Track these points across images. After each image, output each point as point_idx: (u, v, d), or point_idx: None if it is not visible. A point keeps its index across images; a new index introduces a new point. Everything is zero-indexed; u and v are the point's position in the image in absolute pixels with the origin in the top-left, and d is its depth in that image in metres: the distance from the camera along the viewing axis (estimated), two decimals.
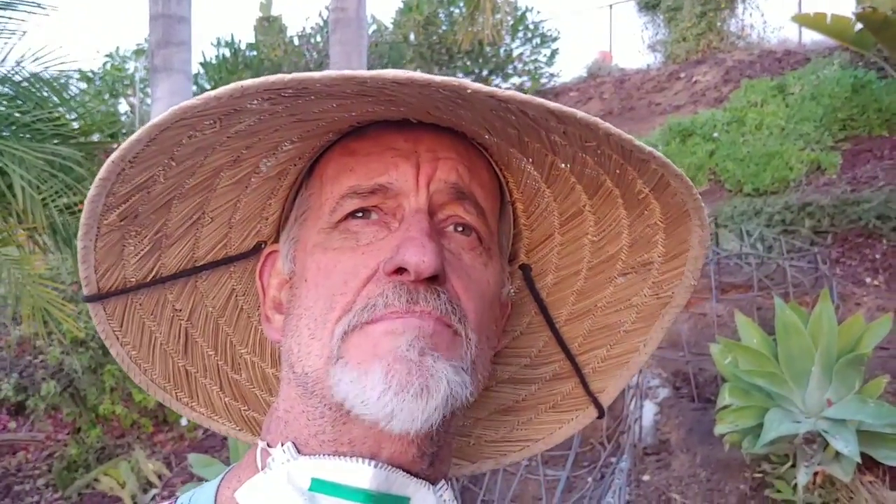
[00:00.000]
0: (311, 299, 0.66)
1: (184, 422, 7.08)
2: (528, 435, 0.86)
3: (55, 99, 4.22)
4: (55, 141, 4.03)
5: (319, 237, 0.68)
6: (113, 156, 0.59)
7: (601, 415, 0.83)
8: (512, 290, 0.78)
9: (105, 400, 6.93)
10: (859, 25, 8.78)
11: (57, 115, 4.15)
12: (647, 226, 0.71)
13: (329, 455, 0.64)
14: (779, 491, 3.99)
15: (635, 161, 0.62)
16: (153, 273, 0.73)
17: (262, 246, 0.77)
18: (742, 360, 4.16)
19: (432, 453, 0.66)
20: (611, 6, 17.37)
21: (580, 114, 0.54)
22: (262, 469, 0.66)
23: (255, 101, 0.56)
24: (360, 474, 0.62)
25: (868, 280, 6.30)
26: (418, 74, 0.52)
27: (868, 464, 3.71)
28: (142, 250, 0.70)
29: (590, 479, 4.97)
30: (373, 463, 0.62)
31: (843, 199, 7.27)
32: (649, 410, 5.36)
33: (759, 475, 4.24)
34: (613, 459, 5.00)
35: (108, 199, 0.63)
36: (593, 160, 0.66)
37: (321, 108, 0.61)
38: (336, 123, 0.67)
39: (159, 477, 6.24)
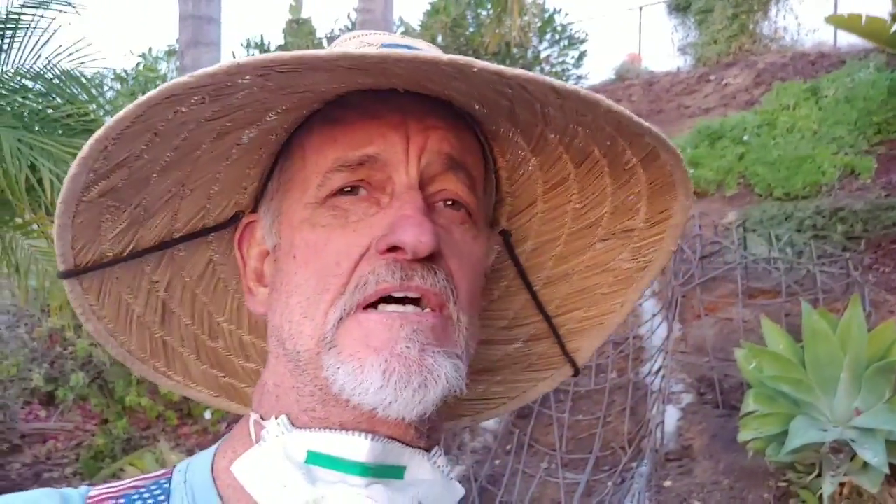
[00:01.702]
0: (302, 277, 0.65)
1: (207, 415, 7.17)
2: (503, 392, 0.88)
3: (85, 96, 4.28)
4: (85, 137, 4.08)
5: (306, 212, 0.66)
6: (97, 134, 0.58)
7: (576, 373, 0.85)
8: (492, 255, 0.79)
9: (131, 392, 7.04)
10: None
11: (87, 111, 4.22)
12: (630, 194, 0.71)
13: (321, 430, 0.64)
14: (804, 501, 3.92)
15: (628, 134, 0.62)
16: (130, 247, 0.72)
17: (241, 215, 0.76)
18: (768, 366, 4.09)
19: (428, 428, 0.67)
20: (640, 8, 17.22)
21: (583, 91, 0.54)
22: (257, 442, 0.66)
23: (248, 77, 0.55)
24: (357, 447, 0.62)
25: None
26: (424, 54, 0.51)
27: None
28: (120, 225, 0.69)
29: (609, 484, 4.93)
30: (369, 436, 0.62)
31: (877, 204, 7.13)
32: (672, 416, 5.30)
33: (784, 484, 4.17)
34: (634, 464, 4.95)
35: (88, 175, 0.61)
36: (585, 132, 0.65)
37: (312, 81, 0.60)
38: (322, 94, 0.65)
39: None
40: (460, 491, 0.69)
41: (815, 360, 3.97)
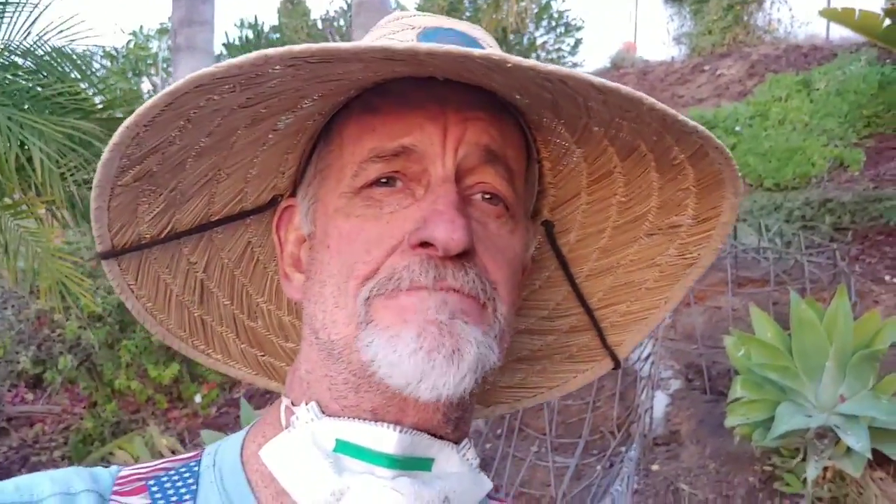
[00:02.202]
0: (335, 267, 0.65)
1: (197, 399, 7.17)
2: (541, 382, 0.87)
3: (76, 74, 4.24)
4: (76, 115, 4.05)
5: (341, 201, 0.66)
6: (128, 121, 0.58)
7: (617, 366, 0.84)
8: (533, 246, 0.78)
9: (121, 375, 7.03)
10: (888, 21, 8.64)
11: (78, 89, 4.18)
12: (678, 190, 0.70)
13: (351, 419, 0.63)
14: (788, 484, 3.97)
15: (674, 131, 0.61)
16: (168, 229, 0.73)
17: (279, 199, 0.76)
18: (755, 354, 4.13)
19: (456, 417, 0.66)
20: None
21: (624, 89, 0.53)
22: (287, 427, 0.66)
23: (278, 67, 0.55)
24: (385, 439, 0.61)
25: (887, 278, 6.22)
26: (455, 48, 0.50)
27: (879, 460, 3.68)
28: (156, 208, 0.70)
29: (599, 468, 4.97)
30: (398, 428, 0.62)
31: (865, 195, 7.18)
32: (661, 401, 5.35)
33: (769, 468, 4.22)
34: (623, 449, 5.00)
35: (122, 161, 0.62)
36: (630, 126, 0.64)
37: (344, 70, 0.59)
38: (359, 81, 0.65)
39: (172, 452, 6.32)
40: (488, 484, 0.69)
41: (801, 348, 4.01)
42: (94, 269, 6.46)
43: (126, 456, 6.33)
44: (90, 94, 4.47)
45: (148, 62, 13.46)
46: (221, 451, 0.70)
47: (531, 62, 0.50)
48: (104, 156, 0.61)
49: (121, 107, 4.49)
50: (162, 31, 14.04)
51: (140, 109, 0.57)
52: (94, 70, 4.45)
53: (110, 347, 7.09)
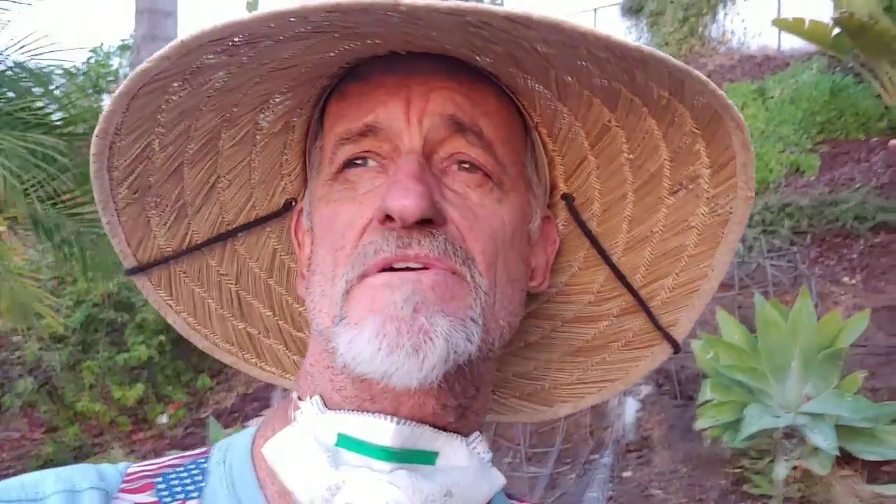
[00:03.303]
0: (320, 255, 0.65)
1: (163, 419, 7.03)
2: (603, 375, 0.82)
3: (39, 89, 4.17)
4: (39, 131, 3.98)
5: (323, 189, 0.66)
6: (96, 131, 0.60)
7: (677, 350, 0.78)
8: (560, 224, 0.76)
9: (83, 397, 6.86)
10: (837, 30, 8.92)
11: (41, 105, 4.11)
12: (682, 134, 0.66)
13: (353, 411, 0.62)
14: (758, 486, 4.04)
15: (635, 62, 0.58)
16: (186, 241, 0.73)
17: (293, 203, 0.76)
18: (723, 356, 4.21)
19: (459, 405, 0.63)
20: (595, 10, 17.48)
21: (536, 14, 0.50)
22: (292, 422, 0.65)
23: (211, 56, 0.54)
24: (383, 431, 0.60)
25: (846, 279, 6.40)
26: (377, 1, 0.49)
27: (845, 458, 3.77)
28: (168, 220, 0.71)
29: (573, 476, 5.00)
30: (395, 420, 0.60)
31: (822, 200, 7.37)
32: (631, 407, 5.40)
33: (739, 470, 4.28)
34: (596, 456, 5.03)
35: (111, 173, 0.63)
36: (595, 69, 0.61)
37: (289, 53, 0.58)
38: (320, 68, 0.64)
39: None
40: (500, 480, 0.65)
41: (767, 349, 4.10)
42: (55, 287, 6.32)
43: None
44: (51, 109, 4.40)
45: (109, 79, 13.24)
46: (231, 447, 0.69)
47: (429, 2, 0.49)
48: (91, 168, 0.62)
49: (85, 122, 4.42)
50: (124, 48, 13.84)
51: (102, 117, 0.58)
52: (57, 86, 4.38)
53: (72, 369, 6.92)
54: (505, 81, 0.69)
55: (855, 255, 6.68)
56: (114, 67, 13.75)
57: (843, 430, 3.71)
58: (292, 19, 0.53)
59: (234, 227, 0.75)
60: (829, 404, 3.76)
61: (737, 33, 14.70)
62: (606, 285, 0.78)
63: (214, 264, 0.76)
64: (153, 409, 7.12)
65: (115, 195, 0.65)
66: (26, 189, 3.67)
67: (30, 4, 4.00)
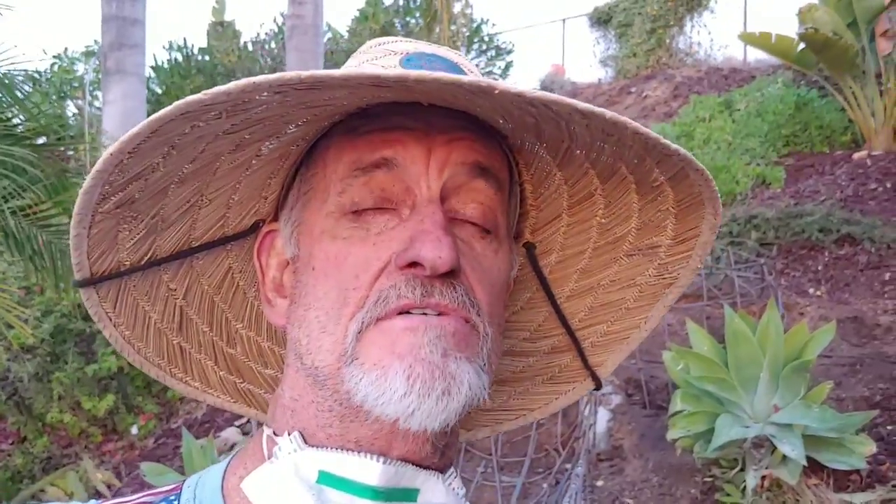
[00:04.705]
0: (321, 290, 0.64)
1: (134, 430, 6.93)
2: (524, 404, 0.87)
3: (8, 98, 4.10)
4: (7, 142, 3.91)
5: (327, 223, 0.66)
6: (112, 148, 0.58)
7: (598, 386, 0.84)
8: (516, 267, 0.78)
9: (53, 408, 6.74)
10: (802, 45, 9.14)
11: (9, 115, 4.04)
12: (658, 211, 0.71)
13: (337, 449, 0.63)
14: (728, 494, 4.11)
15: (656, 153, 0.61)
16: (148, 256, 0.71)
17: (260, 224, 0.75)
18: (693, 367, 4.28)
19: (443, 445, 0.66)
20: (564, 20, 17.67)
21: (609, 113, 0.53)
22: (269, 458, 0.65)
23: (265, 94, 0.55)
24: (369, 471, 0.61)
25: (811, 290, 6.55)
26: (445, 75, 0.51)
27: (813, 467, 3.84)
28: (137, 234, 0.69)
29: (545, 486, 5.03)
30: (381, 459, 0.62)
31: (788, 212, 7.53)
32: (603, 417, 5.46)
33: (710, 479, 4.36)
34: (568, 466, 5.08)
35: (104, 188, 0.61)
36: (612, 149, 0.65)
37: (331, 96, 0.60)
38: (344, 107, 0.65)
39: (108, 487, 6.09)
40: None
41: (736, 360, 4.17)
42: (22, 297, 6.20)
43: (58, 492, 6.05)
44: (19, 119, 4.33)
45: (73, 85, 13.03)
46: (202, 483, 0.69)
47: (519, 88, 0.51)
48: (86, 183, 0.60)
49: (50, 132, 4.36)
50: (88, 54, 13.64)
51: (124, 137, 0.57)
52: (24, 94, 4.30)
53: (40, 380, 6.79)
54: (509, 141, 0.72)
55: (820, 267, 6.84)
56: (79, 73, 13.54)
57: (810, 439, 3.79)
58: (357, 83, 0.54)
59: (199, 244, 0.74)
60: (797, 415, 3.84)
61: (704, 45, 14.98)
62: (544, 325, 0.83)
63: (167, 279, 0.75)
64: (123, 420, 7.01)
65: (96, 209, 0.63)
66: None
67: (9, 7, 3.92)
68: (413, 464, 0.64)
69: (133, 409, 7.06)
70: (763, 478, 3.94)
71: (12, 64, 4.30)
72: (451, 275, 0.62)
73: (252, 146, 0.66)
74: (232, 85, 0.52)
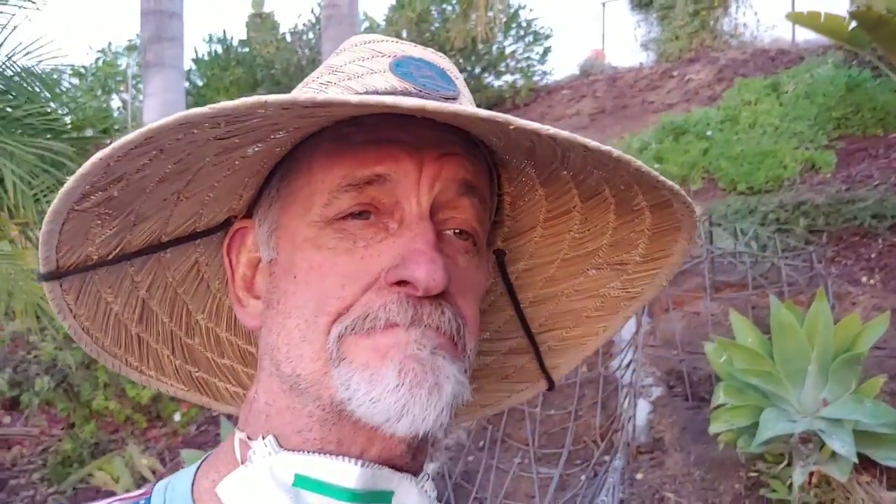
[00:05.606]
0: (301, 299, 0.64)
1: (177, 417, 7.08)
2: (477, 401, 0.88)
3: (47, 94, 4.17)
4: (47, 136, 3.98)
5: (310, 231, 0.65)
6: (101, 153, 0.57)
7: (551, 387, 0.88)
8: (490, 276, 0.80)
9: (98, 395, 6.92)
10: (853, 24, 8.80)
11: (49, 110, 4.11)
12: (633, 231, 0.73)
13: (312, 452, 0.63)
14: (774, 490, 4.00)
15: (647, 185, 0.63)
16: (117, 250, 0.71)
17: (232, 220, 0.75)
18: (737, 359, 4.16)
19: (416, 448, 0.67)
20: (603, 4, 17.39)
21: (616, 152, 0.55)
22: (243, 462, 0.65)
23: (271, 108, 0.54)
24: (347, 473, 0.62)
25: (864, 279, 6.31)
26: (462, 109, 0.51)
27: (865, 464, 3.72)
28: (109, 230, 0.69)
29: (583, 478, 4.97)
30: (359, 462, 0.62)
31: (838, 198, 7.29)
32: (643, 409, 5.36)
33: (755, 474, 4.24)
34: (607, 458, 5.00)
35: (85, 188, 0.61)
36: (600, 174, 0.66)
37: (335, 110, 0.60)
38: (338, 116, 0.65)
39: (153, 472, 6.22)
40: None
41: (783, 352, 4.05)
42: None
43: (106, 477, 6.23)
44: (60, 113, 4.40)
45: (117, 79, 13.30)
46: (172, 488, 0.69)
47: (534, 125, 0.52)
48: (68, 184, 0.60)
49: (92, 126, 4.43)
50: (131, 48, 13.91)
51: (117, 144, 0.56)
52: (64, 89, 4.38)
53: (87, 368, 6.97)
54: (496, 155, 0.73)
55: (873, 255, 6.60)
56: (122, 67, 13.82)
57: (861, 435, 3.66)
58: (408, 110, 0.54)
59: (170, 238, 0.74)
60: (847, 409, 3.71)
61: (749, 27, 14.59)
62: (505, 327, 0.86)
63: (132, 272, 0.75)
64: (167, 407, 7.17)
65: (74, 208, 0.63)
66: (36, 194, 3.68)
67: (37, 8, 3.99)
68: (389, 466, 0.64)
69: (175, 397, 7.20)
70: (811, 474, 3.82)
71: (54, 58, 4.39)
72: (439, 295, 0.62)
73: (239, 150, 0.65)
74: (241, 102, 0.52)
